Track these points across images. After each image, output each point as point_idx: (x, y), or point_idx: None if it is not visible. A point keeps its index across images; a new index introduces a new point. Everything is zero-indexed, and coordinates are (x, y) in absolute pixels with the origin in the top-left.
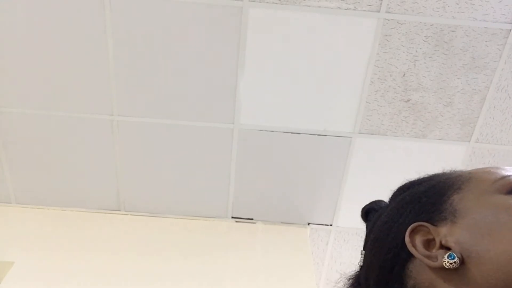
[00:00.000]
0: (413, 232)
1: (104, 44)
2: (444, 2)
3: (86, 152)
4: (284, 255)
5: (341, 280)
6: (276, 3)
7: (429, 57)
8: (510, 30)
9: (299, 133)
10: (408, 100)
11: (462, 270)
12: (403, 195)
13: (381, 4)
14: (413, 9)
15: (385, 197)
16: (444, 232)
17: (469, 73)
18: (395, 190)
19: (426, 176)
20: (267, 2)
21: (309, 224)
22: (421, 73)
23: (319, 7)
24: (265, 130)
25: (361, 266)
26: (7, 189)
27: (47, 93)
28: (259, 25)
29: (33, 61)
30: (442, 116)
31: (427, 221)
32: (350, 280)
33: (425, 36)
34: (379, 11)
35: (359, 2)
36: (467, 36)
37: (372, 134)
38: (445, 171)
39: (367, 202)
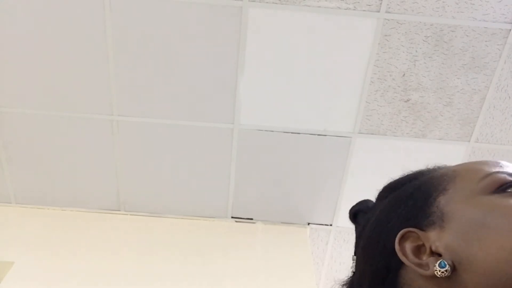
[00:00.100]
0: (403, 238)
1: (104, 44)
2: (444, 2)
3: (86, 152)
4: (284, 255)
5: (335, 287)
6: (276, 3)
7: (429, 57)
8: (510, 30)
9: (299, 133)
10: (408, 100)
11: (454, 277)
12: (389, 197)
13: (381, 4)
14: (413, 9)
15: None
16: (433, 238)
17: (469, 73)
18: (381, 190)
19: (411, 173)
20: (267, 2)
21: (309, 224)
22: (421, 73)
23: (319, 7)
24: (265, 130)
25: (353, 272)
26: (7, 189)
27: (47, 93)
28: (259, 25)
29: (33, 61)
30: (442, 116)
31: (415, 226)
32: (344, 286)
33: (425, 36)
34: (379, 11)
35: (359, 2)
36: (467, 36)
37: (372, 134)
38: (429, 167)
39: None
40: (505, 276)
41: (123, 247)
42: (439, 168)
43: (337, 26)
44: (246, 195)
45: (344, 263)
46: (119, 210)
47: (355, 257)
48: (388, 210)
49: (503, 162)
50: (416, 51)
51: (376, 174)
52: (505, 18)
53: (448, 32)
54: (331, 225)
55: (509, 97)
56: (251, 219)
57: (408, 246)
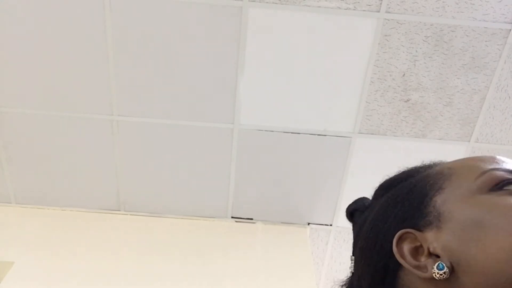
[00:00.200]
0: (400, 240)
1: (104, 44)
2: (444, 2)
3: (86, 152)
4: (284, 255)
5: (334, 287)
6: (276, 3)
7: (429, 57)
8: (510, 30)
9: (299, 133)
10: (408, 100)
11: (453, 278)
12: (385, 197)
13: (381, 4)
14: (413, 9)
15: None
16: (430, 238)
17: (469, 73)
18: (377, 189)
19: (406, 170)
20: (267, 2)
21: (309, 224)
22: (421, 73)
23: (319, 7)
24: (265, 130)
25: (352, 273)
26: (7, 189)
27: (47, 93)
28: (259, 25)
29: (33, 61)
30: (441, 116)
31: (412, 227)
32: (344, 287)
33: (425, 36)
34: (379, 11)
35: (359, 2)
36: (467, 36)
37: (372, 134)
38: (425, 164)
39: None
40: (504, 277)
41: (123, 247)
42: (434, 164)
43: (337, 26)
44: (246, 195)
45: (344, 263)
46: (119, 210)
47: (353, 257)
48: (385, 210)
49: (499, 158)
50: (416, 51)
51: (376, 174)
52: (505, 18)
53: (448, 32)
54: (331, 225)
55: (509, 97)
56: (251, 219)
57: (406, 247)
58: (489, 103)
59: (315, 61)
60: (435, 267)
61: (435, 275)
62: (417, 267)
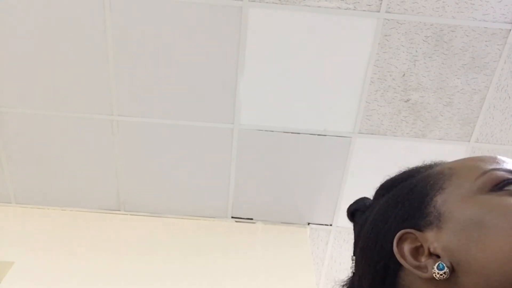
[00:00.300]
0: (401, 240)
1: (104, 44)
2: (444, 2)
3: (86, 152)
4: (284, 255)
5: (335, 287)
6: (276, 3)
7: (429, 57)
8: (510, 30)
9: (299, 133)
10: (408, 100)
11: (453, 278)
12: (386, 197)
13: (381, 4)
14: (413, 9)
15: None
16: (431, 239)
17: (469, 73)
18: (378, 189)
19: (407, 170)
20: (267, 2)
21: (309, 224)
22: (421, 73)
23: (319, 7)
24: (265, 130)
25: (353, 273)
26: (7, 189)
27: (47, 93)
28: (259, 25)
29: (33, 61)
30: (441, 116)
31: (413, 227)
32: (344, 287)
33: (425, 36)
34: (379, 11)
35: (359, 2)
36: (467, 36)
37: (372, 134)
38: (425, 163)
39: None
40: (504, 277)
41: (123, 247)
42: (435, 164)
43: (337, 26)
44: (246, 195)
45: (344, 263)
46: (119, 210)
47: (354, 257)
48: (385, 210)
49: (499, 158)
50: (416, 51)
51: (376, 174)
52: (505, 18)
53: (448, 32)
54: (331, 225)
55: (509, 97)
56: (251, 219)
57: (407, 247)
58: (489, 103)
59: (315, 61)
60: (435, 267)
61: (436, 275)
62: (418, 267)
